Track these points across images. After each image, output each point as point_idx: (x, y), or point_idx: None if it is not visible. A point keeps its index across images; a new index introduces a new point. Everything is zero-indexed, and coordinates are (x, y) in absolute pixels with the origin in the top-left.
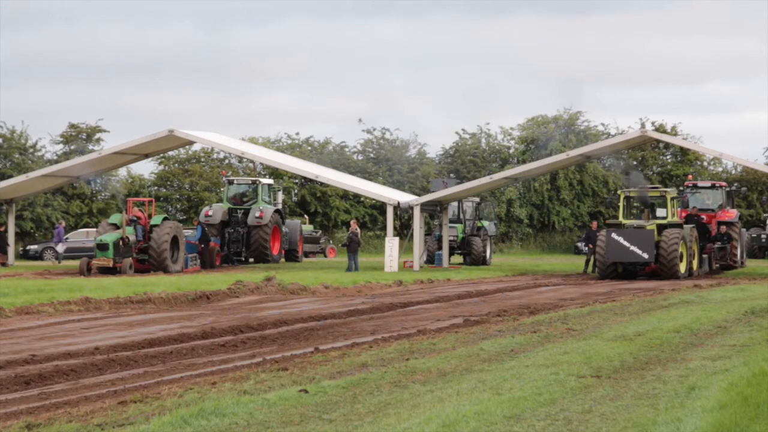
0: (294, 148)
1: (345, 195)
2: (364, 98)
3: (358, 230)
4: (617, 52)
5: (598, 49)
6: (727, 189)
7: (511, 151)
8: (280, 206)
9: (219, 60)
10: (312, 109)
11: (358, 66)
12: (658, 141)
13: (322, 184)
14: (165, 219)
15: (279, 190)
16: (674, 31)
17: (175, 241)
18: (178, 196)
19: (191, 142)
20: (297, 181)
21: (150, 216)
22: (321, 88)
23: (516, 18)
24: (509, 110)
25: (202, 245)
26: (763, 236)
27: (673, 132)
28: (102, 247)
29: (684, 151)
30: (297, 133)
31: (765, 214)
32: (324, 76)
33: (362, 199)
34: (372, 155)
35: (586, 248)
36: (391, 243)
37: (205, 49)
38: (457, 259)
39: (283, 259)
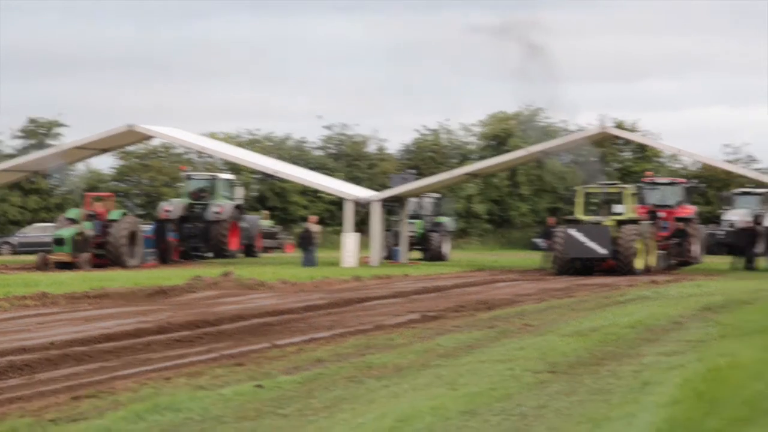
0: (254, 144)
1: (304, 191)
2: (324, 94)
3: (316, 227)
4: (567, 50)
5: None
6: (686, 185)
7: (471, 147)
8: (240, 201)
9: (180, 55)
10: (271, 104)
11: (313, 62)
12: (617, 137)
13: (281, 179)
14: (123, 214)
15: (239, 186)
16: (621, 29)
17: (133, 237)
18: (137, 191)
19: (150, 137)
20: (257, 176)
21: (108, 211)
22: (280, 83)
23: (456, 13)
24: (469, 106)
25: (156, 237)
26: (720, 233)
27: (633, 129)
28: (59, 242)
29: (643, 148)
30: (258, 129)
31: (722, 211)
32: (281, 72)
33: (321, 194)
34: (332, 151)
35: (545, 244)
36: (349, 239)
37: (164, 44)
38: (416, 254)
39: (242, 255)
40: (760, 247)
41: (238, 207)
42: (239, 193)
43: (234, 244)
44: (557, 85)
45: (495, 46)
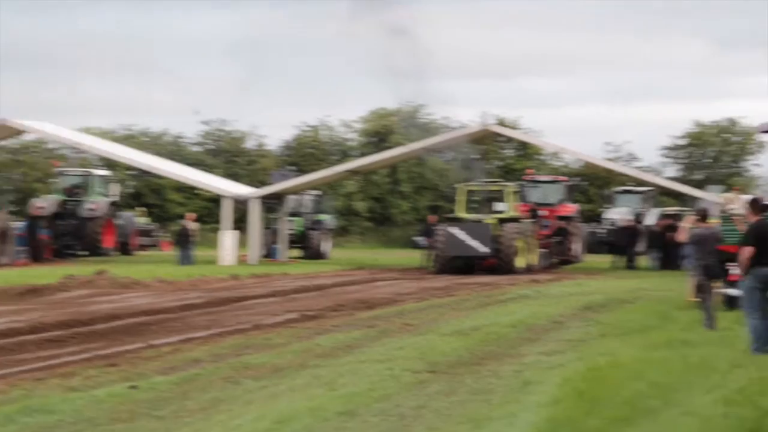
0: (129, 139)
1: (181, 187)
2: (202, 89)
3: (193, 224)
4: (448, 45)
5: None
6: (567, 184)
7: (352, 143)
8: (116, 198)
9: (52, 49)
10: (147, 99)
11: (190, 56)
12: (499, 135)
13: (157, 176)
14: None
15: (114, 182)
16: (504, 24)
17: (3, 234)
18: (8, 187)
19: (23, 132)
20: (132, 173)
21: None
22: (156, 78)
23: (332, 6)
24: (351, 102)
25: (28, 234)
26: (601, 231)
27: (514, 126)
28: None
29: (525, 146)
30: (133, 124)
31: (604, 209)
32: (157, 67)
33: (199, 191)
34: (210, 147)
35: (425, 242)
36: (228, 237)
37: (36, 37)
38: (295, 253)
39: (117, 253)
40: (640, 246)
41: (113, 204)
42: (114, 189)
43: (109, 241)
44: (428, 77)
45: (368, 39)
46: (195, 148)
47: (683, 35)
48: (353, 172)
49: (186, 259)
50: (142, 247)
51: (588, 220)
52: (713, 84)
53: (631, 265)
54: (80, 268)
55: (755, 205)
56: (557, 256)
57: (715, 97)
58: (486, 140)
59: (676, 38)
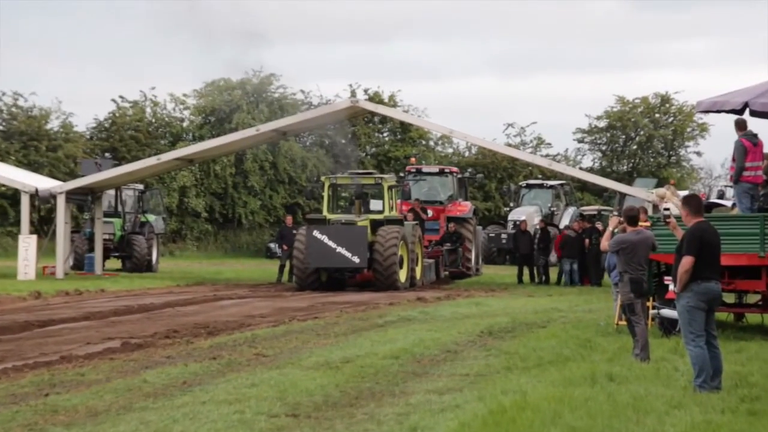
0: None
1: None
2: None
3: None
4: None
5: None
6: (459, 176)
7: (185, 124)
8: None
9: None
10: None
11: None
12: (373, 114)
13: None
14: None
15: None
16: None
17: None
18: None
19: None
20: None
21: None
22: None
23: None
24: (180, 72)
25: None
26: (503, 236)
27: (392, 103)
28: None
29: (405, 128)
30: None
31: (506, 209)
32: None
33: None
34: (0, 128)
35: (281, 250)
36: (27, 243)
37: None
38: (115, 263)
39: None
40: (552, 255)
41: None
42: None
43: None
44: (271, 40)
45: None
46: None
47: None
48: (187, 161)
49: None
50: None
51: (487, 221)
52: (636, 50)
53: (541, 279)
54: None
55: (694, 203)
56: (449, 268)
57: (640, 66)
58: (356, 120)
59: None
